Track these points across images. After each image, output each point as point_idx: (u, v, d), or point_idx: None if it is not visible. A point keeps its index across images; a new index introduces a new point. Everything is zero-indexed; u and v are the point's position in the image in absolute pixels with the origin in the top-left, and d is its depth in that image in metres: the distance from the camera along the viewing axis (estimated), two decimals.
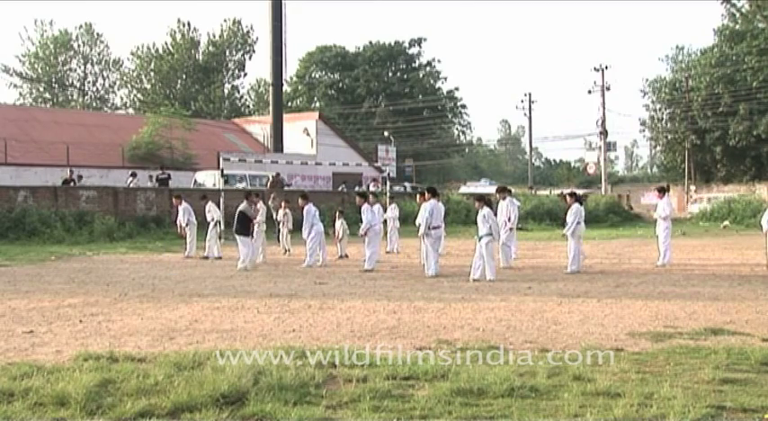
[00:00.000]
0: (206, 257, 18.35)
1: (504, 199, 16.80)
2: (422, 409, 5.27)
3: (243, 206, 16.27)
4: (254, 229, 16.47)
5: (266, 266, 16.47)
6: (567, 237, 15.28)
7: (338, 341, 7.80)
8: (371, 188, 37.47)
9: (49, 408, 5.30)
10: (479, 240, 13.96)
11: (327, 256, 17.42)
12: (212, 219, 18.86)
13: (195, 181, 32.83)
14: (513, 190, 20.76)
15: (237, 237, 16.02)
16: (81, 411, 5.22)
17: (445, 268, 15.80)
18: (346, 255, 18.78)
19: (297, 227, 18.70)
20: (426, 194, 15.12)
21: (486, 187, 46.59)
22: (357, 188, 37.72)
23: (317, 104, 73.29)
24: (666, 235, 16.65)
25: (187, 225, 19.21)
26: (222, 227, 19.43)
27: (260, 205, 18.22)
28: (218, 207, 19.79)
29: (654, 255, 17.49)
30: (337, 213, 19.41)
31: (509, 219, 16.50)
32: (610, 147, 57.53)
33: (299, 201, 17.52)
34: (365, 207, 16.33)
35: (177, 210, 19.69)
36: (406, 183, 49.40)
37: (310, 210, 16.95)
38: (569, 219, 15.34)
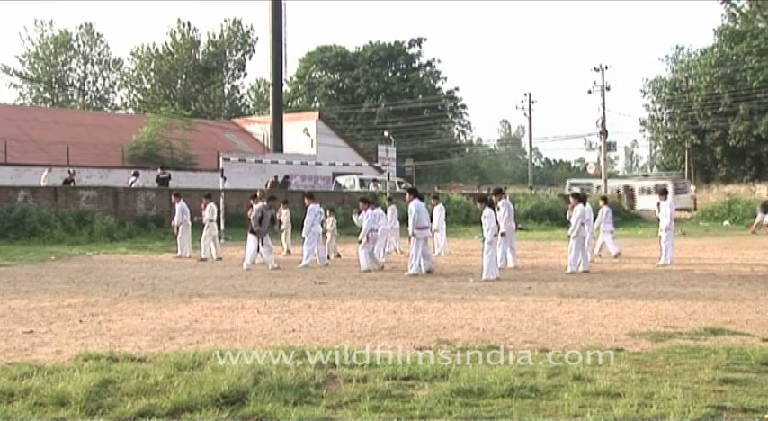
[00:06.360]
0: (204, 259, 18.25)
1: (500, 200, 16.67)
2: (422, 409, 5.27)
3: (259, 207, 16.51)
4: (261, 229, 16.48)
5: (262, 267, 16.41)
6: (570, 237, 15.28)
7: (338, 341, 7.79)
8: (371, 188, 37.44)
9: (49, 408, 5.30)
10: (482, 241, 14.02)
11: (326, 257, 17.44)
12: (208, 220, 18.65)
13: (336, 183, 38.24)
14: (508, 190, 20.51)
15: (250, 235, 16.24)
16: (81, 411, 5.22)
17: (445, 268, 15.80)
18: (339, 255, 18.77)
19: (298, 226, 18.63)
20: (408, 195, 15.42)
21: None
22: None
23: (317, 104, 73.14)
24: (668, 235, 16.78)
25: (180, 225, 19.12)
26: (222, 227, 19.34)
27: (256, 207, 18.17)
28: (219, 207, 19.71)
29: (654, 255, 17.50)
30: (327, 212, 19.24)
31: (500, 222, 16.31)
32: (610, 147, 57.36)
33: (305, 199, 17.53)
34: (368, 212, 15.99)
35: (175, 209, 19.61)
36: (407, 184, 49.51)
37: (313, 210, 16.94)
38: (573, 220, 15.38)
